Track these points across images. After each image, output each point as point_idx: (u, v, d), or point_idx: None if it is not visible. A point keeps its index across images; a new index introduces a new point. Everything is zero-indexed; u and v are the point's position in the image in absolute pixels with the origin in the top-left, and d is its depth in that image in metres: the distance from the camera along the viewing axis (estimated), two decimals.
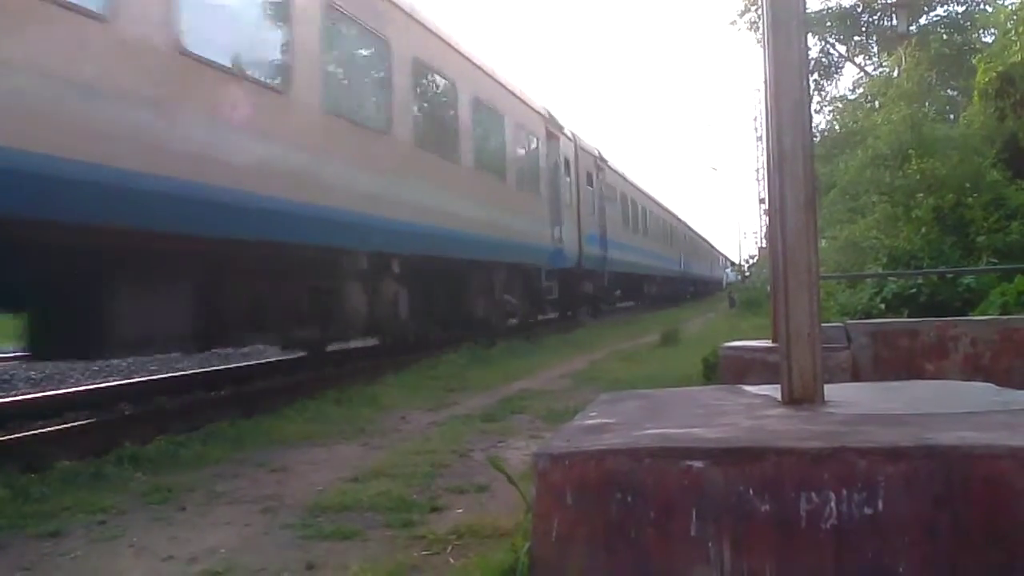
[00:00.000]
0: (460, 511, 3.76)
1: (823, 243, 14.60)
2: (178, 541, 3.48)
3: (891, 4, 27.30)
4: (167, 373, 10.16)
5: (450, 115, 11.58)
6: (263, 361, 11.24)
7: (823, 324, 3.26)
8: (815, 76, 28.19)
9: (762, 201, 43.71)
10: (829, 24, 28.39)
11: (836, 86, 30.49)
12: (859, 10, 28.73)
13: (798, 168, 3.03)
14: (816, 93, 28.23)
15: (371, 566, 3.02)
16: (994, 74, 14.87)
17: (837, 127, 23.61)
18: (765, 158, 3.54)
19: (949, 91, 23.23)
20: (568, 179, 18.19)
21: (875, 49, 28.82)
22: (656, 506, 2.30)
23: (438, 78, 11.27)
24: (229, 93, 6.45)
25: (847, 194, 16.94)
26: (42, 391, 8.84)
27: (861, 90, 25.98)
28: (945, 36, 25.70)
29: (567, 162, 18.19)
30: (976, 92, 15.91)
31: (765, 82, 3.19)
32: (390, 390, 7.97)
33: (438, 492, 4.11)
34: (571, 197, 18.23)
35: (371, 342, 12.05)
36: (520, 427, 6.01)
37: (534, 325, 16.59)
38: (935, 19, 27.44)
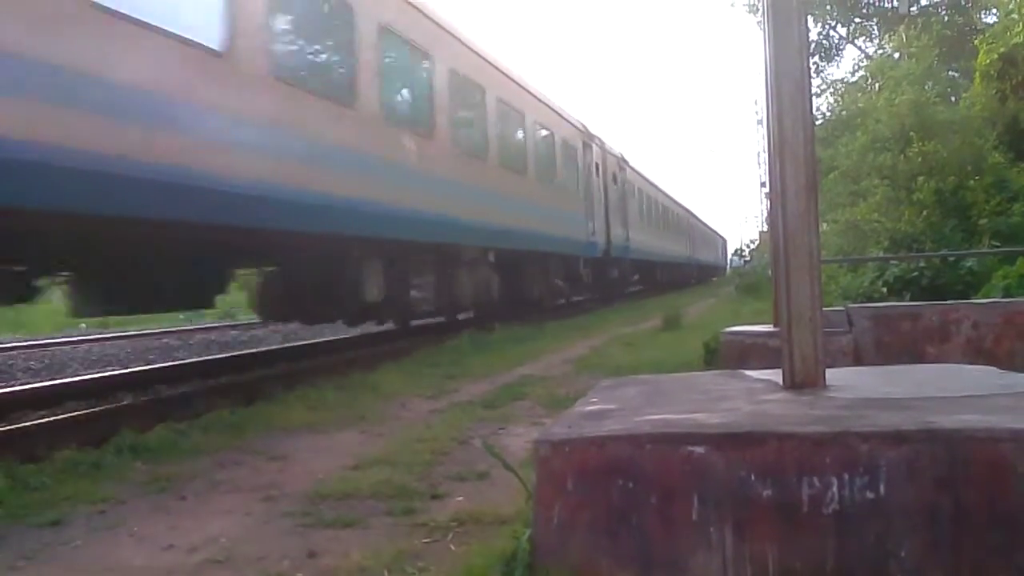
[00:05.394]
0: (461, 498, 3.75)
1: (824, 226, 14.56)
2: (178, 530, 3.47)
3: None
4: (166, 362, 10.15)
5: None
6: (263, 349, 11.24)
7: (824, 308, 3.25)
8: (815, 59, 28.08)
9: (763, 185, 43.32)
10: (829, 6, 28.24)
11: (837, 68, 30.37)
12: None
13: (799, 151, 3.01)
14: (817, 76, 28.13)
15: (372, 553, 3.01)
16: (996, 55, 14.80)
17: (838, 109, 23.52)
18: (766, 141, 3.51)
19: (950, 73, 23.14)
20: None
21: (876, 31, 28.70)
22: (657, 492, 2.29)
23: None
24: None
25: (848, 177, 16.90)
26: (41, 381, 8.84)
27: (862, 72, 25.90)
28: (946, 17, 25.59)
29: None
30: (977, 74, 15.84)
31: (765, 65, 3.17)
32: (390, 377, 7.96)
33: (439, 479, 4.10)
34: None
35: (372, 329, 11.94)
36: (521, 414, 6.00)
37: None
38: (936, 0, 27.31)
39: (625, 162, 24.92)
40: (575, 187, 18.15)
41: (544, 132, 16.07)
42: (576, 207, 18.02)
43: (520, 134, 14.62)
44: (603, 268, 20.77)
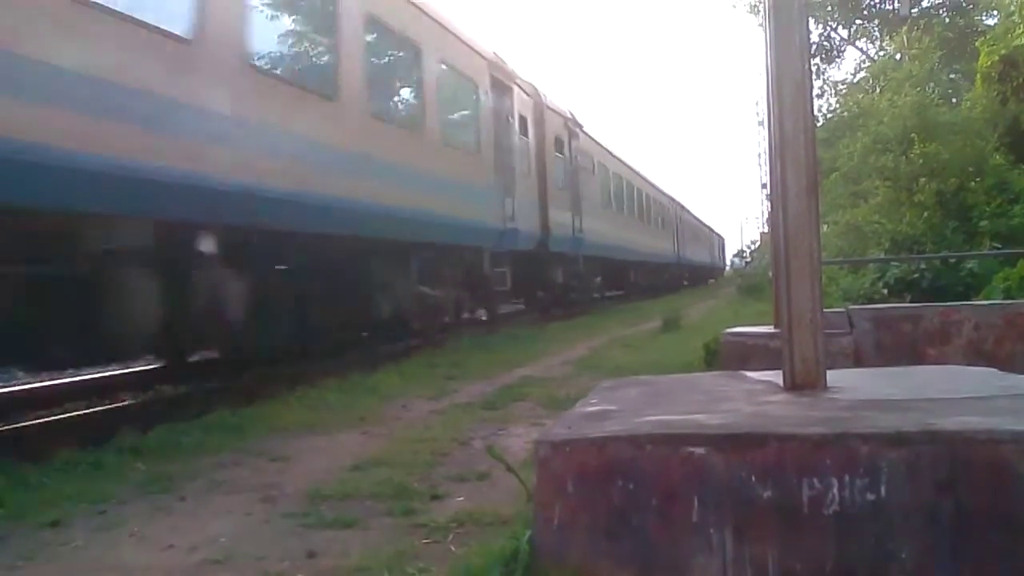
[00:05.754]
0: (461, 499, 3.75)
1: (825, 228, 14.56)
2: (179, 530, 3.47)
3: None
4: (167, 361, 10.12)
5: None
6: None
7: (825, 309, 3.24)
8: (816, 60, 28.08)
9: (764, 186, 43.24)
10: (830, 8, 28.26)
11: (839, 69, 30.35)
12: None
13: (800, 153, 3.01)
14: (818, 77, 28.13)
15: (372, 554, 3.01)
16: (997, 57, 14.82)
17: (840, 111, 23.52)
18: (767, 143, 3.51)
19: (951, 75, 23.16)
20: None
21: (877, 33, 28.72)
22: (658, 493, 2.29)
23: None
24: None
25: (849, 178, 16.90)
26: (41, 380, 8.83)
27: (863, 74, 25.91)
28: (947, 19, 25.60)
29: None
30: (978, 75, 15.85)
31: (766, 66, 3.17)
32: (390, 378, 7.96)
33: (439, 480, 4.10)
34: None
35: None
36: (521, 414, 6.00)
37: None
38: (937, 2, 27.33)
39: (578, 125, 18.19)
40: (473, 144, 11.98)
41: (394, 42, 9.66)
42: (476, 174, 11.83)
43: (325, 32, 8.28)
44: (539, 268, 15.24)
